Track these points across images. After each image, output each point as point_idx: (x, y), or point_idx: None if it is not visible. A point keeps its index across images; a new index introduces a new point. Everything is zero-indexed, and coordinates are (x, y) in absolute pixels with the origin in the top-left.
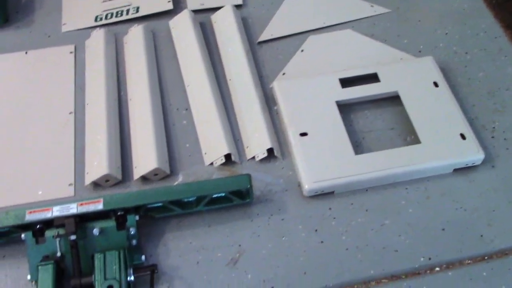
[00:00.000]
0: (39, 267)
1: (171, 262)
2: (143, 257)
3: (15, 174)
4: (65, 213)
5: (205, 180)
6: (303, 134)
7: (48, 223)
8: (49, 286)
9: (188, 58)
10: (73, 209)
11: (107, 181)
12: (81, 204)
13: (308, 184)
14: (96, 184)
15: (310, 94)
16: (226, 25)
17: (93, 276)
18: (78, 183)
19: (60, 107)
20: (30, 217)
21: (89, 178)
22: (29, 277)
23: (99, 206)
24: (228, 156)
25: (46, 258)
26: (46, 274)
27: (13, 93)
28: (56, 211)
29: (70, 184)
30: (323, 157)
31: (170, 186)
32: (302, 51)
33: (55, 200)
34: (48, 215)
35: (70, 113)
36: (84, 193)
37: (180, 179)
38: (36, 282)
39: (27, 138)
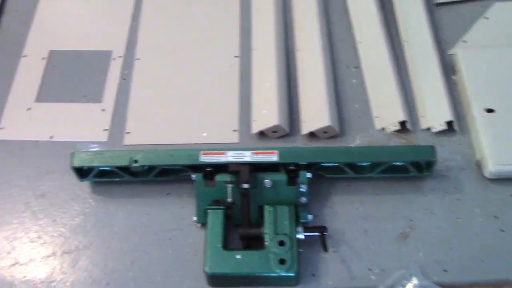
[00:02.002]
0: (209, 211)
1: (337, 226)
2: (310, 217)
3: (181, 114)
4: (239, 159)
5: (385, 145)
6: (490, 111)
7: (218, 168)
8: (219, 231)
9: (361, 13)
10: (247, 157)
11: (274, 132)
12: (255, 153)
13: (493, 166)
14: (261, 134)
15: (499, 67)
16: None
17: (262, 228)
18: (242, 130)
19: (225, 50)
20: (204, 158)
21: (257, 126)
22: (195, 218)
23: (274, 157)
24: (402, 123)
25: (215, 202)
26: (216, 219)
27: (179, 33)
28: (230, 156)
29: (234, 130)
30: None
31: (348, 147)
32: (486, 18)
33: (219, 145)
34: (222, 159)
35: (236, 56)
36: (249, 141)
37: (357, 141)
38: (202, 224)
39: (193, 79)
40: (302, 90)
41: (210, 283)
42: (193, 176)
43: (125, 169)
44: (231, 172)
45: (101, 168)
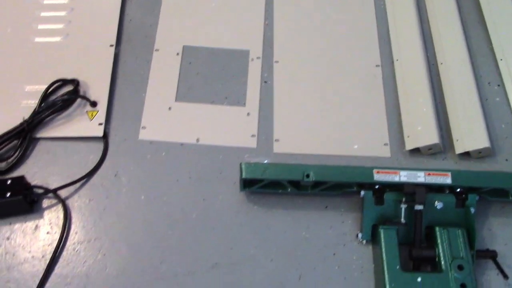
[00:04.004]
0: (381, 230)
1: (497, 249)
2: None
3: (329, 124)
4: (412, 180)
5: None
6: None
7: (385, 186)
8: (395, 252)
9: (502, 27)
10: (420, 177)
11: (429, 149)
12: (429, 174)
13: None
14: (414, 149)
15: None
16: None
17: (436, 250)
18: (393, 144)
19: (365, 58)
20: (378, 177)
21: (412, 143)
22: (360, 234)
23: (447, 180)
24: None
25: (386, 221)
26: (391, 238)
27: (314, 36)
28: (403, 176)
29: (385, 144)
30: None
31: None
32: None
33: (371, 158)
34: (395, 178)
35: (377, 66)
36: (401, 156)
37: None
38: (368, 241)
39: (335, 86)
40: (450, 106)
41: None
42: (363, 193)
43: (292, 182)
44: (406, 193)
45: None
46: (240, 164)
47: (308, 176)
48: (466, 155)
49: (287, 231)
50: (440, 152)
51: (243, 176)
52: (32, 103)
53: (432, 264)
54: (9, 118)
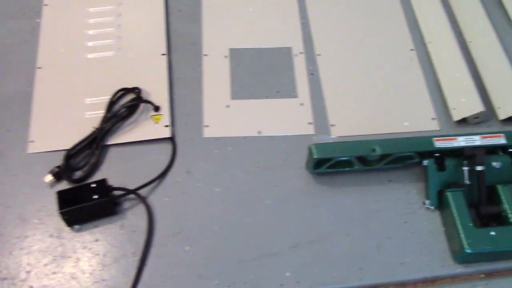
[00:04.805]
0: (448, 194)
1: None
2: None
3: (378, 106)
4: (470, 144)
5: None
6: None
7: (444, 153)
8: (465, 211)
9: None
10: (477, 141)
11: (476, 118)
12: (484, 137)
13: None
14: (460, 121)
15: None
16: None
17: (499, 206)
18: (440, 118)
19: (399, 43)
20: (438, 144)
21: (459, 114)
22: (427, 201)
23: (502, 140)
24: None
25: (452, 185)
26: (459, 200)
27: (348, 29)
28: (461, 141)
29: (433, 118)
30: None
31: None
32: None
33: (422, 132)
34: (454, 144)
35: (411, 50)
36: (449, 128)
37: None
38: (436, 207)
39: (376, 71)
40: (487, 78)
41: (464, 260)
42: (426, 162)
43: (359, 158)
44: (467, 156)
45: (340, 159)
46: (310, 146)
47: (374, 150)
48: (509, 120)
49: (357, 206)
50: (484, 121)
51: (315, 157)
52: (95, 114)
53: (498, 220)
54: (77, 130)
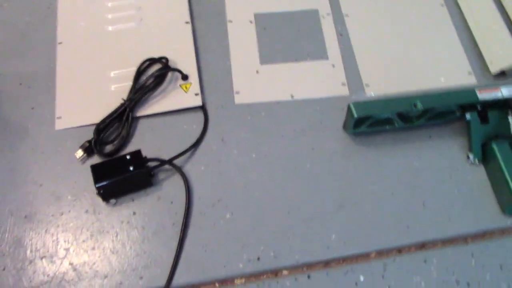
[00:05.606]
0: (494, 146)
1: None
2: None
3: (412, 63)
4: None
5: None
6: None
7: (487, 106)
8: (511, 161)
9: None
10: None
11: None
12: None
13: None
14: (498, 74)
15: None
16: None
17: None
18: (476, 72)
19: (430, 0)
20: (481, 95)
21: (497, 66)
22: (471, 155)
23: None
24: None
25: (496, 137)
26: (505, 149)
27: None
28: (505, 91)
29: (469, 73)
30: None
31: None
32: None
33: (459, 87)
34: (498, 94)
35: (442, 5)
36: (486, 80)
37: None
38: (480, 161)
39: (406, 28)
40: None
41: None
42: (468, 115)
43: (399, 116)
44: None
45: (379, 117)
46: (349, 105)
47: (415, 105)
48: None
49: (399, 165)
50: None
51: (355, 116)
52: (121, 86)
53: None
54: (104, 104)
